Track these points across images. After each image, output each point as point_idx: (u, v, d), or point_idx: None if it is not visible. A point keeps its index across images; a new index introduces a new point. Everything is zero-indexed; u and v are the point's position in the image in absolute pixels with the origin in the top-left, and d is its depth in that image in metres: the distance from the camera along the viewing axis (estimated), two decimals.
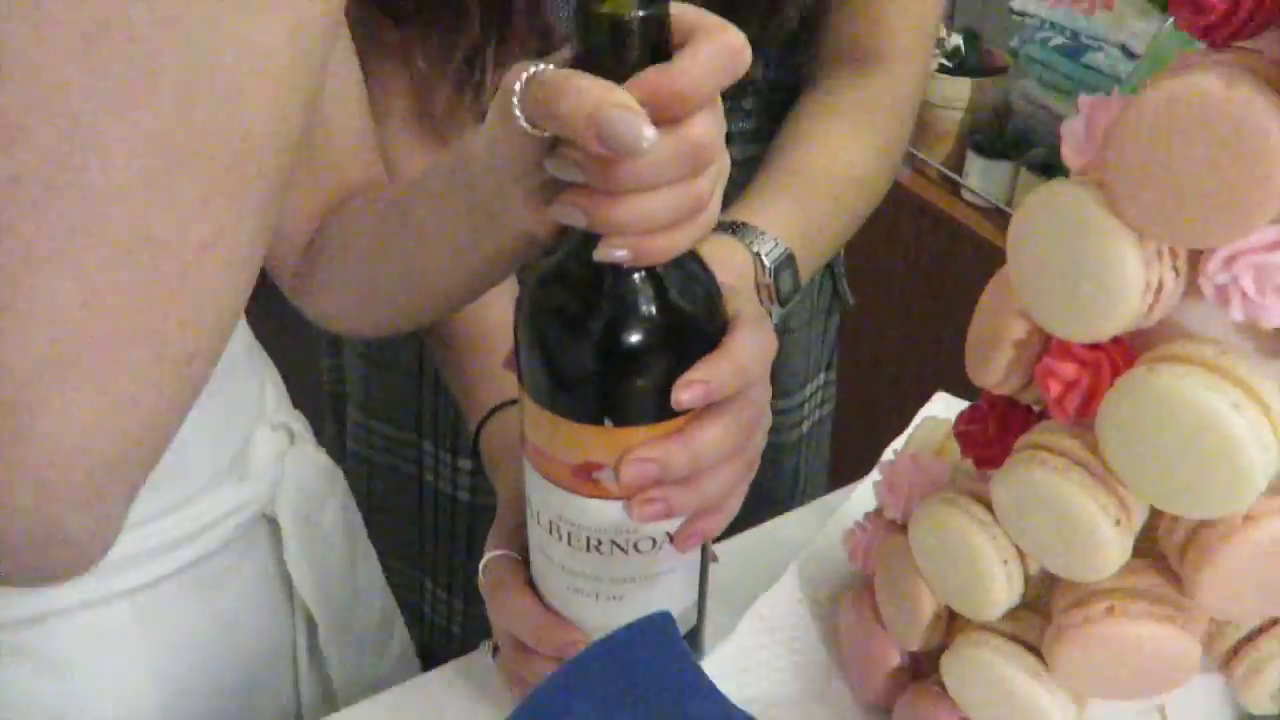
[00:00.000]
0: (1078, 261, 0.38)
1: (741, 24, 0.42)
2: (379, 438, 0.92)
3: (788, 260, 0.69)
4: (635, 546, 0.50)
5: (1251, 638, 0.43)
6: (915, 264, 1.60)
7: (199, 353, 0.39)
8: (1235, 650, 0.44)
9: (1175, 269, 0.37)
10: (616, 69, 0.40)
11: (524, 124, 0.41)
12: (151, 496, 0.37)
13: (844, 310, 0.96)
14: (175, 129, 0.35)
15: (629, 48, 0.40)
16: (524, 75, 0.41)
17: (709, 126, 0.42)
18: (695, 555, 0.53)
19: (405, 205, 0.55)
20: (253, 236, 0.39)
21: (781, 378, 0.90)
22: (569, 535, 0.50)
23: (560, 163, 0.42)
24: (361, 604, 0.72)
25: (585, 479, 0.48)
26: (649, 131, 0.39)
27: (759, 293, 0.68)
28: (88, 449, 0.36)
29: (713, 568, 0.55)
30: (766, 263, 0.67)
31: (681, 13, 0.41)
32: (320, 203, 0.59)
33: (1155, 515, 0.42)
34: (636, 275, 0.44)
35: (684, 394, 0.44)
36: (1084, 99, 0.40)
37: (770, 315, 0.68)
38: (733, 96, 0.79)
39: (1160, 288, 0.37)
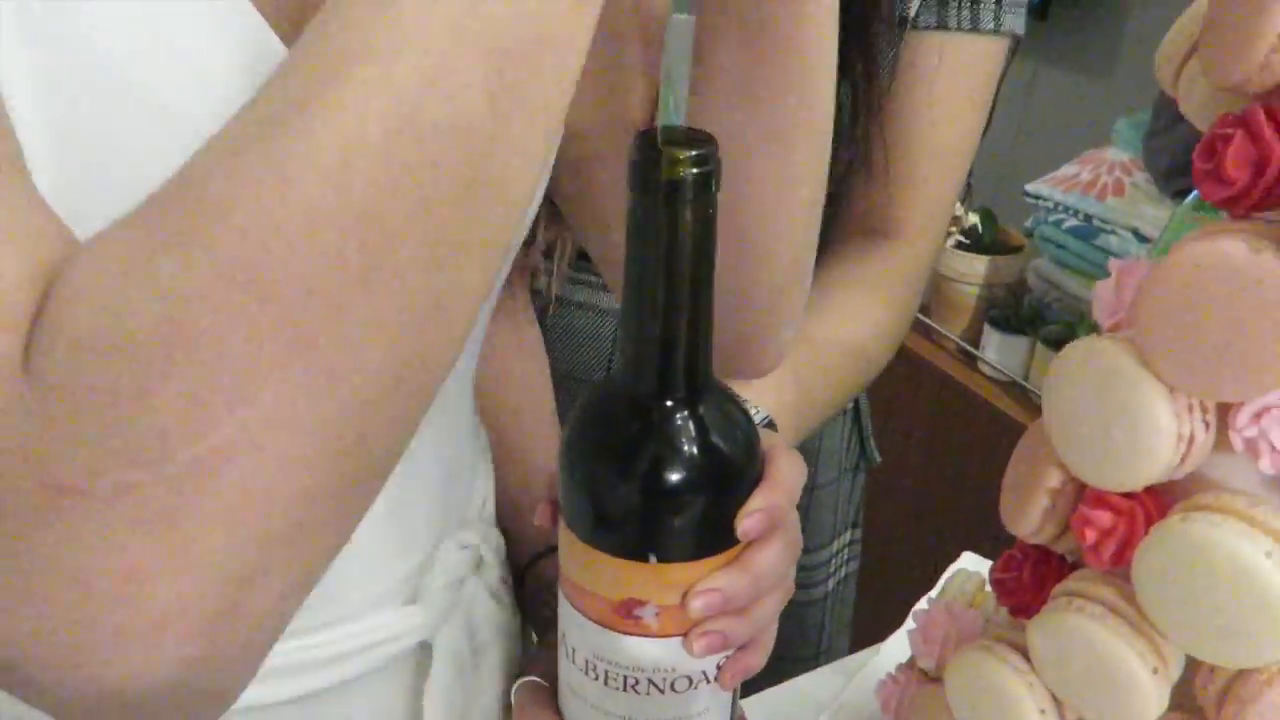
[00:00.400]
0: (1111, 413, 0.40)
1: None
2: None
3: (767, 426, 0.72)
4: (673, 686, 0.51)
5: None
6: (934, 432, 1.62)
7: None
8: None
9: (1206, 422, 0.39)
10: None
11: None
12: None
13: (870, 468, 0.98)
14: None
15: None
16: None
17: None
18: (728, 698, 0.53)
19: None
20: None
21: (808, 533, 0.91)
22: (605, 674, 0.51)
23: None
24: None
25: (626, 616, 0.49)
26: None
27: None
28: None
29: None
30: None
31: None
32: None
33: (1192, 665, 0.42)
34: (680, 415, 0.46)
35: (749, 523, 0.46)
36: (1114, 262, 0.43)
37: None
38: None
39: (1192, 439, 0.39)
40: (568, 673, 0.54)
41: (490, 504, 0.64)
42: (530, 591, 0.67)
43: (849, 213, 0.82)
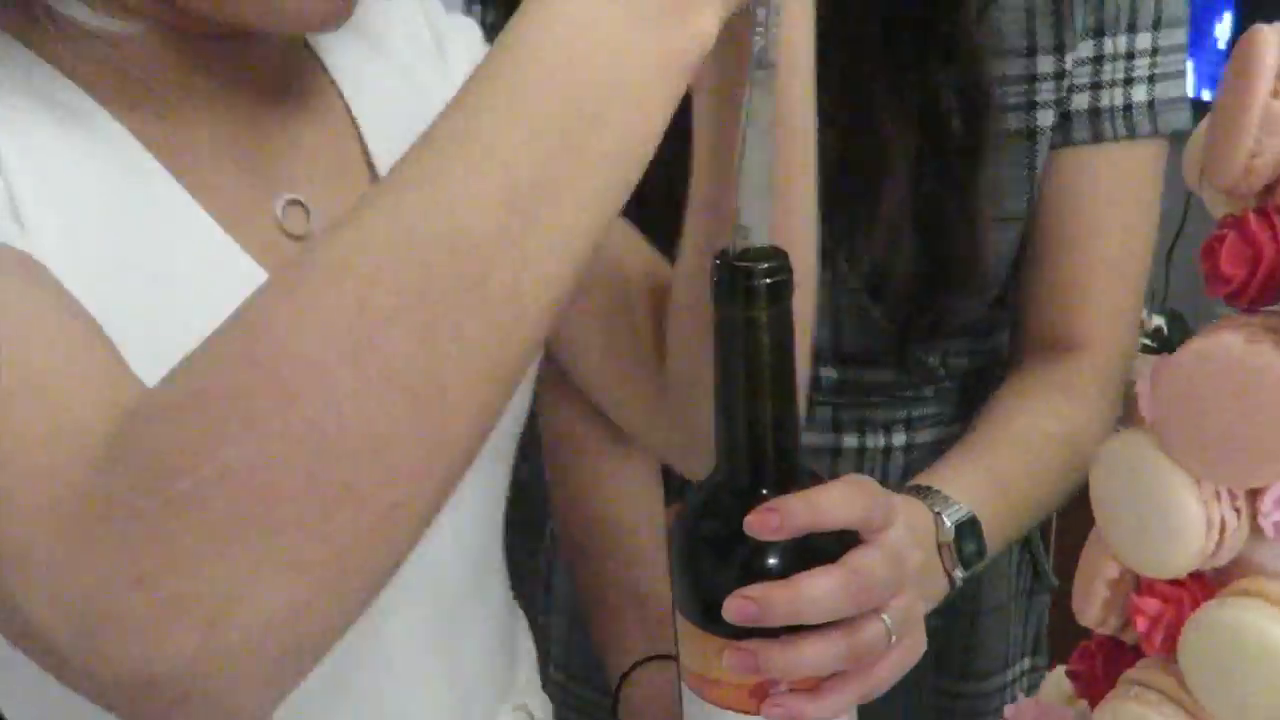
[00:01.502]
0: (1145, 503, 0.42)
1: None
2: (573, 696, 0.97)
3: (970, 523, 0.72)
4: None
5: None
6: None
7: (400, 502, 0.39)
8: None
9: (1236, 508, 0.41)
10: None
11: None
12: None
13: (1051, 592, 0.95)
14: None
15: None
16: None
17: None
18: None
19: None
20: None
21: (978, 660, 0.90)
22: None
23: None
24: None
25: (760, 697, 0.53)
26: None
27: (940, 553, 0.71)
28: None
29: None
30: (947, 523, 0.71)
31: None
32: None
33: None
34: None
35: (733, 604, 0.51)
36: (1152, 359, 0.45)
37: (953, 579, 0.72)
38: (911, 385, 0.85)
39: (1223, 525, 0.41)
40: None
41: (536, 674, 0.70)
42: (627, 699, 0.71)
43: (1028, 330, 0.82)
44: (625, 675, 0.74)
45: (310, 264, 0.38)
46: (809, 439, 0.85)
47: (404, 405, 0.37)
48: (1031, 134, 0.79)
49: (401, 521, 0.39)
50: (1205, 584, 0.43)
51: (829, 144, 0.62)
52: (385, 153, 0.61)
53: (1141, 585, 0.44)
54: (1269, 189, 0.38)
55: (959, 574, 0.70)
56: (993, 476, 0.73)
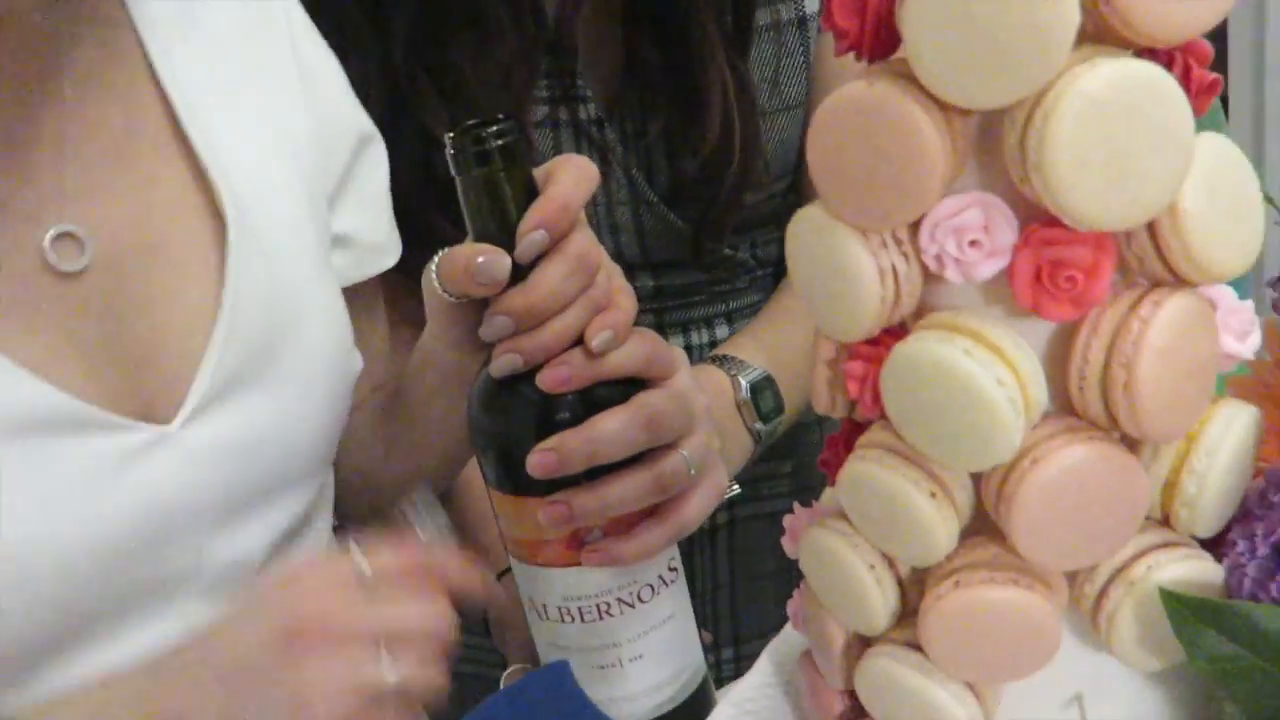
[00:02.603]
0: (826, 267, 0.44)
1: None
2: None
3: (765, 379, 0.78)
4: (639, 597, 0.56)
5: (1104, 591, 0.45)
6: None
7: None
8: (1095, 611, 0.45)
9: (904, 253, 0.43)
10: (504, 217, 0.54)
11: (444, 294, 0.54)
12: None
13: None
14: None
15: (504, 197, 0.53)
16: (435, 258, 0.54)
17: (584, 239, 0.55)
18: (685, 598, 0.60)
19: (397, 388, 0.67)
20: None
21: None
22: (579, 610, 0.57)
23: (488, 327, 0.54)
24: None
25: (578, 547, 0.56)
26: (505, 260, 0.50)
27: (740, 411, 0.76)
28: None
29: None
30: (743, 383, 0.76)
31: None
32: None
33: (977, 481, 0.45)
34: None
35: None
36: None
37: (755, 432, 0.76)
38: (724, 280, 0.88)
39: (895, 272, 0.43)
40: (545, 632, 0.60)
41: None
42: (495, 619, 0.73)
43: None
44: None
45: None
46: None
47: None
48: (802, 21, 0.82)
49: None
50: (900, 335, 0.45)
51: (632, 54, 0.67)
52: (196, 125, 0.59)
53: (846, 354, 0.46)
54: None
55: (760, 427, 0.73)
56: (765, 346, 0.78)
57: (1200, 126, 0.41)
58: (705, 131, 0.77)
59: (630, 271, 0.82)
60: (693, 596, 0.84)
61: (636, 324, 0.86)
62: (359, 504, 0.73)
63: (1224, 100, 1.15)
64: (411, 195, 0.72)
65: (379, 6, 0.72)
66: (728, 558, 0.91)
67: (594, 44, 0.77)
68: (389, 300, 0.74)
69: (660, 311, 0.87)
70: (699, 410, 0.61)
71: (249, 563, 0.59)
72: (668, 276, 0.86)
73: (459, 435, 0.62)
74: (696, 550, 0.88)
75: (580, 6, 0.74)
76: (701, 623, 0.87)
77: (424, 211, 0.73)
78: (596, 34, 0.76)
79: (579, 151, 0.78)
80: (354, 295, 0.68)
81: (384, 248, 0.71)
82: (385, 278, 0.72)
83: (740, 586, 0.91)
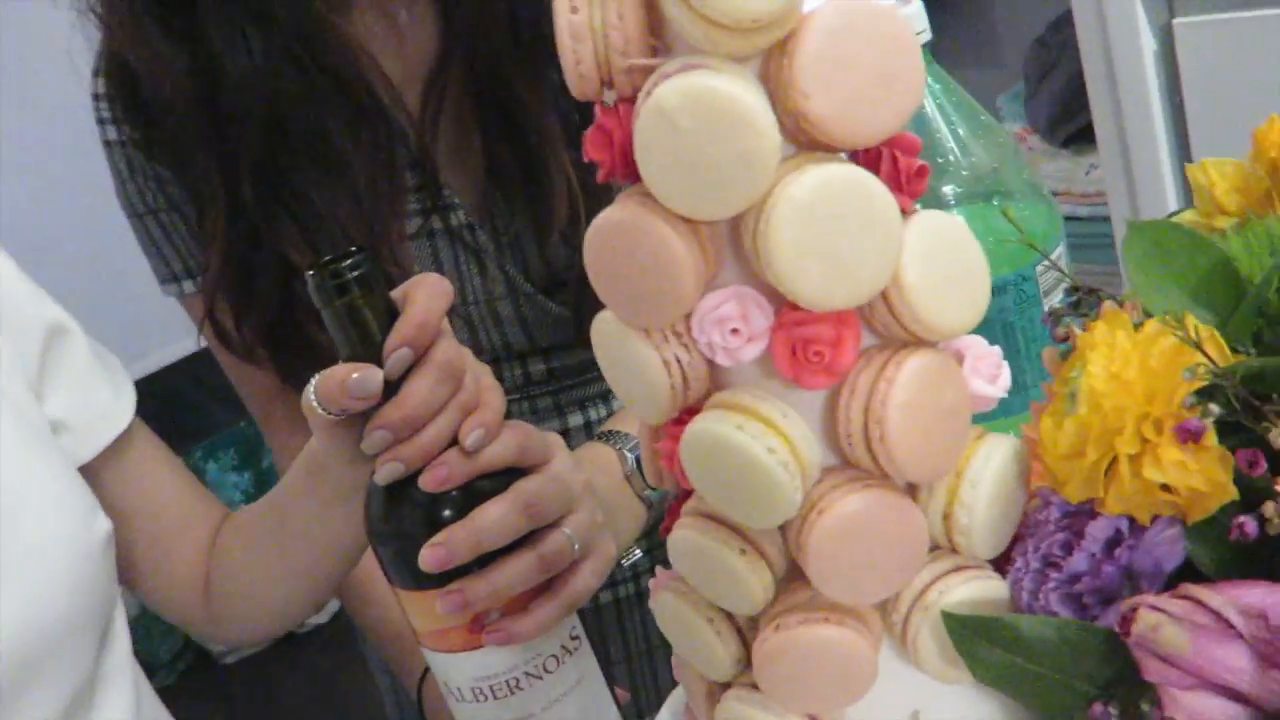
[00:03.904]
0: (622, 364, 0.50)
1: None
2: None
3: None
4: (544, 668, 0.62)
5: (907, 617, 0.50)
6: None
7: None
8: (903, 636, 0.50)
9: (685, 345, 0.48)
10: (369, 339, 0.60)
11: (324, 413, 0.60)
12: None
13: None
14: None
15: (367, 322, 0.59)
16: (312, 380, 0.60)
17: (447, 348, 0.61)
18: (592, 662, 0.66)
19: (279, 505, 0.72)
20: None
21: None
22: (491, 689, 0.63)
23: (369, 442, 0.60)
24: None
25: (480, 630, 0.62)
26: (376, 375, 0.57)
27: (630, 481, 0.81)
28: None
29: None
30: (629, 455, 0.81)
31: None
32: (206, 536, 0.77)
33: None
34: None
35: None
36: None
37: (646, 500, 0.81)
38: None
39: (680, 362, 0.48)
40: (464, 713, 0.65)
41: None
42: (427, 700, 0.78)
43: None
44: (421, 680, 0.80)
45: None
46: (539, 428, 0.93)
47: None
48: None
49: None
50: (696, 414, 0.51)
51: (491, 159, 0.73)
52: None
53: (661, 434, 0.52)
54: (609, 85, 0.47)
55: (650, 494, 0.79)
56: None
57: (924, 203, 0.47)
58: (553, 217, 0.82)
59: (521, 359, 0.88)
60: (625, 659, 0.90)
61: (536, 408, 0.92)
62: (256, 630, 0.79)
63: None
64: (284, 311, 0.78)
65: (225, 141, 0.78)
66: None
67: (455, 153, 0.83)
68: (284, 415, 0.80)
69: (556, 393, 0.92)
70: (578, 488, 0.66)
71: None
72: (559, 358, 0.92)
73: (357, 540, 0.68)
74: (625, 613, 0.93)
75: (438, 123, 0.80)
76: (637, 683, 0.92)
77: (299, 324, 0.79)
78: (456, 143, 0.82)
79: (454, 256, 0.84)
80: (119, 456, 0.75)
81: (108, 414, 0.77)
82: (270, 387, 0.78)
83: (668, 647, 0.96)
